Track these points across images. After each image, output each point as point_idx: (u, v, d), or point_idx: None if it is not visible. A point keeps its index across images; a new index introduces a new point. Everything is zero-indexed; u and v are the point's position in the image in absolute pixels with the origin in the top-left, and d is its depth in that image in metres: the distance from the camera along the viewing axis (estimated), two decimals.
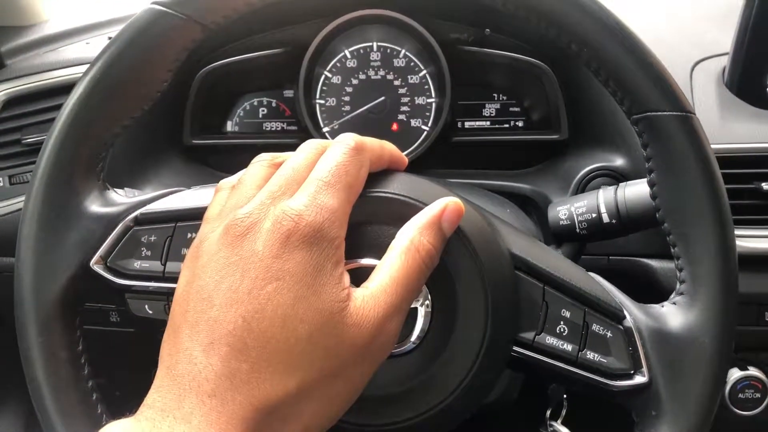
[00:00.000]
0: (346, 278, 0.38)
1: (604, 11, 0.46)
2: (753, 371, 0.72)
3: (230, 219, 0.38)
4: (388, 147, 0.45)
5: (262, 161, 0.42)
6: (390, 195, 0.44)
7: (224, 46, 0.81)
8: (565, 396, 0.68)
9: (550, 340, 0.45)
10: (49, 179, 0.47)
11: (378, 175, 0.44)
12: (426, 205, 0.43)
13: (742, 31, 0.74)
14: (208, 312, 0.36)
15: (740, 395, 0.72)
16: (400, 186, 0.44)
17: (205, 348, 0.35)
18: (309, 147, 0.42)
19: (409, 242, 0.39)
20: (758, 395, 0.72)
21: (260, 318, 0.35)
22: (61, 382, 0.47)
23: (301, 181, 0.39)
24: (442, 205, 0.41)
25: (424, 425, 0.44)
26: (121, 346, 0.78)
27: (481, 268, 0.43)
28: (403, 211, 0.43)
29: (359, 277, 0.40)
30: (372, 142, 0.43)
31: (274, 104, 0.86)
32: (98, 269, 0.47)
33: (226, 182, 0.43)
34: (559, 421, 0.67)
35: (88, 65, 0.48)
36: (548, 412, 0.67)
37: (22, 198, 0.76)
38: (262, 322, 0.35)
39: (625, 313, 0.46)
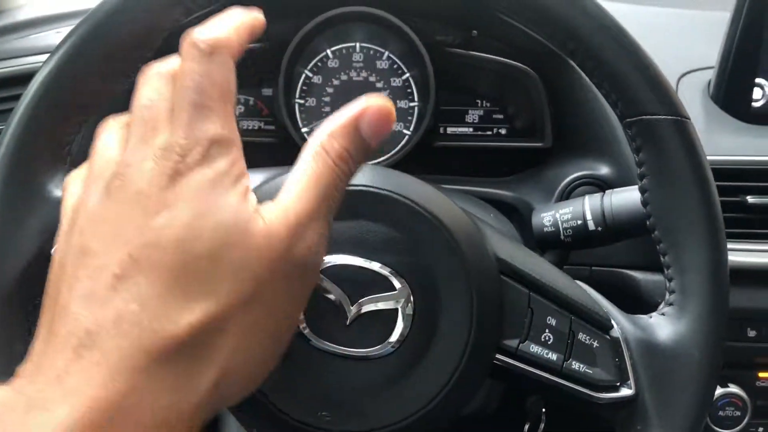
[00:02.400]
0: (252, 195, 0.33)
1: (602, 11, 0.44)
2: (733, 388, 0.71)
3: (108, 176, 0.33)
4: (243, 17, 0.36)
5: (108, 129, 0.36)
6: (367, 189, 0.42)
7: None
8: (543, 410, 0.66)
9: (535, 349, 0.44)
10: (10, 162, 0.45)
11: None
12: (403, 197, 0.41)
13: (727, 45, 0.74)
14: (90, 261, 0.31)
15: (720, 413, 0.71)
16: (376, 179, 0.43)
17: (86, 297, 0.30)
18: (153, 76, 0.35)
19: (319, 146, 0.35)
20: (738, 413, 0.71)
21: (152, 250, 0.30)
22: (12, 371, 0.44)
23: (163, 113, 0.33)
24: (360, 106, 0.35)
25: (407, 429, 0.42)
26: None
27: (467, 269, 0.42)
28: (381, 204, 0.42)
29: None
30: (222, 29, 0.34)
31: (251, 102, 0.84)
32: None
33: (77, 173, 0.37)
34: None
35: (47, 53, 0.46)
36: (526, 427, 0.66)
37: None
38: (154, 253, 0.30)
39: (613, 323, 0.45)
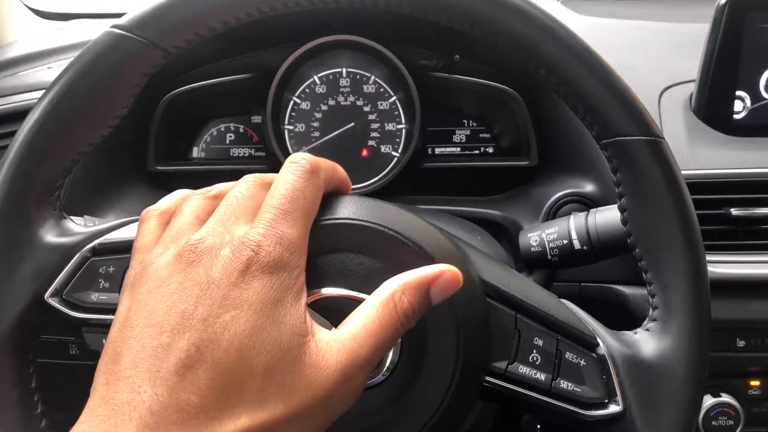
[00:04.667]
0: (308, 313, 0.36)
1: (572, 37, 0.45)
2: (726, 398, 0.71)
3: (183, 244, 0.36)
4: (339, 168, 0.43)
5: (197, 194, 0.40)
6: (351, 221, 0.42)
7: (190, 71, 0.80)
8: (539, 426, 0.66)
9: (523, 370, 0.44)
10: (2, 207, 0.45)
11: (331, 199, 0.43)
12: (386, 228, 0.42)
13: (707, 58, 0.75)
14: (158, 338, 0.33)
15: (713, 422, 0.71)
16: (359, 211, 0.43)
17: (151, 377, 0.32)
18: (250, 178, 0.40)
19: (389, 296, 0.37)
20: (731, 422, 0.71)
21: (215, 348, 0.33)
22: (12, 423, 0.44)
23: (247, 210, 0.38)
24: (437, 269, 0.39)
25: None
26: (82, 380, 0.75)
27: (452, 296, 0.42)
28: (365, 236, 0.42)
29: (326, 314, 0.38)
30: (325, 163, 0.41)
31: (241, 130, 0.85)
32: (53, 302, 0.45)
33: (153, 210, 0.41)
34: None
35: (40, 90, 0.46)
36: None
37: None
38: (216, 352, 0.32)
39: (599, 340, 0.46)
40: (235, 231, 0.36)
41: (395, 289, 0.38)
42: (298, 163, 0.39)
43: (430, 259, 0.42)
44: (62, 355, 0.76)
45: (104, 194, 0.75)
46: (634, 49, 0.87)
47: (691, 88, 0.79)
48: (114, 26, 0.45)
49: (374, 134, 0.83)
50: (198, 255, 0.35)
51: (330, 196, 0.43)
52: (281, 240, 0.36)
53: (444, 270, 0.39)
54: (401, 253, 0.42)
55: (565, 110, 0.74)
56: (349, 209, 0.43)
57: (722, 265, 0.67)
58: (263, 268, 0.35)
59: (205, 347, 0.33)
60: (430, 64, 0.78)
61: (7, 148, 0.45)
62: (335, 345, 0.35)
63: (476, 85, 0.79)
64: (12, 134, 0.72)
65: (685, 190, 0.45)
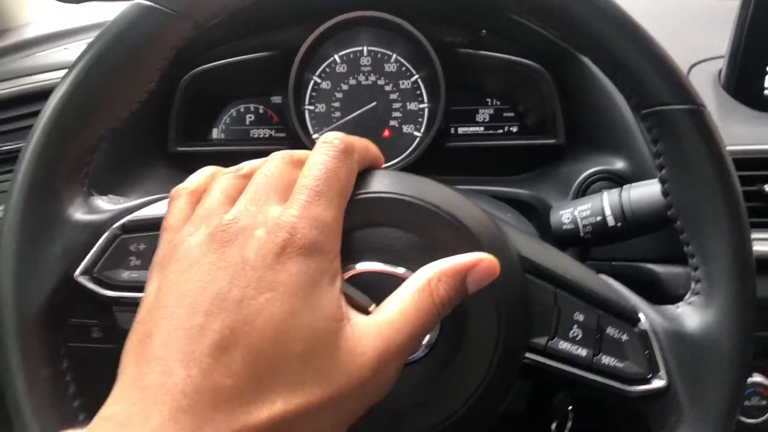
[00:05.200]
0: (343, 298, 0.36)
1: (612, 5, 0.44)
2: (758, 378, 0.70)
3: (216, 224, 0.35)
4: (372, 145, 0.43)
5: (227, 172, 0.40)
6: (387, 195, 0.41)
7: (211, 49, 0.79)
8: (570, 408, 0.66)
9: (564, 345, 0.43)
10: (29, 186, 0.44)
11: (365, 174, 0.42)
12: (423, 202, 0.41)
13: (737, 34, 0.74)
14: (191, 319, 0.32)
15: (746, 402, 0.70)
16: (394, 185, 0.42)
17: (184, 358, 0.31)
18: (279, 156, 0.39)
19: (425, 283, 0.37)
20: (764, 402, 0.70)
21: (250, 330, 0.32)
22: (44, 403, 0.44)
23: (278, 189, 0.37)
24: (474, 257, 0.38)
25: None
26: (104, 364, 0.75)
27: None
28: (401, 210, 0.41)
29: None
30: (358, 141, 0.41)
31: (261, 110, 0.84)
32: (83, 281, 0.45)
33: (183, 189, 0.40)
34: None
35: (64, 69, 0.46)
36: (553, 426, 0.65)
37: None
38: (251, 334, 0.32)
39: (640, 315, 0.45)
40: (269, 211, 0.35)
41: (432, 276, 0.37)
42: (331, 143, 0.38)
43: (468, 234, 0.41)
44: (85, 339, 0.76)
45: (125, 175, 0.74)
46: (662, 25, 0.85)
47: (720, 63, 0.77)
48: None
49: (396, 114, 0.82)
50: (232, 235, 0.34)
51: (364, 171, 0.42)
52: (316, 222, 0.35)
53: (482, 258, 0.38)
54: (439, 228, 0.41)
55: (592, 87, 0.73)
56: (384, 183, 0.42)
57: (757, 243, 0.66)
58: (298, 251, 0.34)
59: (239, 329, 0.32)
60: (455, 41, 0.77)
61: (29, 127, 0.44)
62: (371, 330, 0.35)
63: (502, 61, 0.77)
64: (32, 114, 0.73)
65: (728, 160, 0.44)
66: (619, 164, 0.71)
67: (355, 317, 0.35)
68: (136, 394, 0.30)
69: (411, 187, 0.42)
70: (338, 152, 0.38)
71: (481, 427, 0.43)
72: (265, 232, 0.34)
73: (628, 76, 0.44)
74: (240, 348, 0.31)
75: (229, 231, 0.34)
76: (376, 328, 0.35)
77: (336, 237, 0.36)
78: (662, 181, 0.46)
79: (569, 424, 0.65)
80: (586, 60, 0.74)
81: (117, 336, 0.76)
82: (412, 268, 0.41)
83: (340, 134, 0.39)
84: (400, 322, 0.35)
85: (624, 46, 0.44)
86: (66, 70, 0.46)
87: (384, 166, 0.78)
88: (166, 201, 0.46)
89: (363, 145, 0.41)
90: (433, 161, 0.80)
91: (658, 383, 0.43)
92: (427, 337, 0.41)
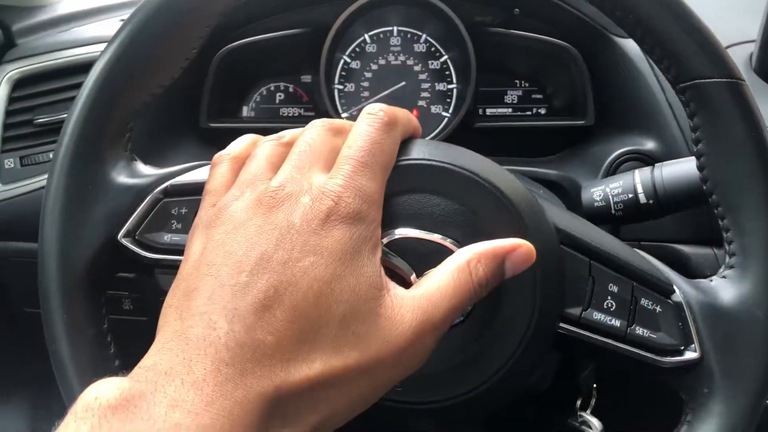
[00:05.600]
0: (383, 268, 0.36)
1: None
2: None
3: (262, 189, 0.36)
4: (412, 116, 0.44)
5: (269, 139, 0.40)
6: (428, 162, 0.42)
7: (244, 27, 0.79)
8: (594, 385, 0.66)
9: (598, 316, 0.44)
10: (75, 149, 0.45)
11: (405, 142, 0.43)
12: (464, 170, 0.42)
13: None
14: (236, 277, 0.33)
15: None
16: (435, 152, 0.43)
17: (228, 313, 0.32)
18: (319, 123, 0.40)
19: (465, 262, 0.37)
20: None
21: (293, 291, 0.33)
22: (86, 360, 0.45)
23: (320, 157, 0.38)
24: (513, 242, 0.39)
25: (470, 404, 0.42)
26: (134, 337, 0.76)
27: (530, 240, 0.42)
28: (442, 177, 0.42)
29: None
30: (402, 114, 0.41)
31: (291, 89, 0.84)
32: (126, 243, 0.45)
33: (224, 154, 0.41)
34: (588, 411, 0.66)
35: (104, 43, 0.46)
36: (578, 402, 0.66)
37: (33, 180, 0.75)
38: (295, 295, 0.32)
39: (674, 287, 0.45)
40: (313, 179, 0.36)
41: (471, 256, 0.38)
42: (376, 114, 0.39)
43: (507, 202, 0.42)
44: (116, 311, 0.77)
45: (159, 148, 0.75)
46: (695, 8, 0.85)
47: (752, 48, 0.77)
48: None
49: (424, 94, 0.82)
50: (278, 201, 0.35)
51: (405, 140, 0.43)
52: (360, 192, 0.36)
53: (520, 244, 0.39)
54: (478, 195, 0.42)
55: (623, 67, 0.73)
56: (424, 151, 0.43)
57: None
58: (342, 219, 0.35)
59: (283, 289, 0.33)
60: (485, 20, 0.77)
61: (68, 100, 0.45)
62: (410, 302, 0.35)
63: (533, 41, 0.77)
64: (70, 87, 0.74)
65: (766, 133, 0.44)
66: (649, 144, 0.71)
67: (395, 288, 0.36)
68: (179, 346, 0.31)
69: (451, 156, 0.43)
70: (382, 124, 0.39)
71: (512, 393, 0.44)
72: (310, 198, 0.35)
73: (668, 49, 0.44)
74: (283, 307, 0.32)
75: (276, 197, 0.35)
76: (415, 300, 0.35)
77: (378, 207, 0.37)
78: (698, 155, 0.46)
79: (593, 402, 0.66)
80: (617, 40, 0.74)
81: (147, 309, 0.78)
82: (450, 234, 0.41)
83: (384, 106, 0.40)
84: (438, 298, 0.36)
85: (664, 19, 0.44)
86: (104, 43, 0.46)
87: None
88: (207, 167, 0.47)
89: (405, 116, 0.42)
90: (460, 141, 0.80)
91: (690, 355, 0.44)
92: None
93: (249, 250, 0.34)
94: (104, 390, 0.29)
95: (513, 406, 0.49)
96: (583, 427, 0.65)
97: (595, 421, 0.65)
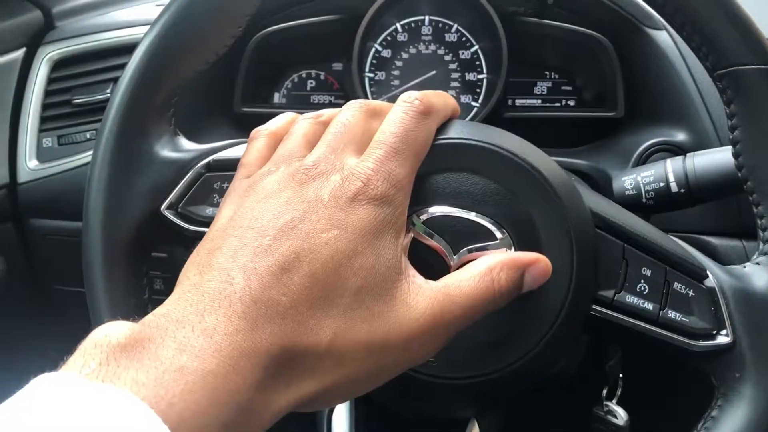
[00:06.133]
0: (405, 255, 0.37)
1: None
2: None
3: (297, 165, 0.37)
4: (452, 101, 0.44)
5: (307, 117, 0.41)
6: (467, 141, 0.42)
7: (279, 12, 0.80)
8: (621, 375, 0.66)
9: (631, 299, 0.44)
10: (121, 122, 0.46)
11: (444, 123, 0.43)
12: (503, 150, 0.42)
13: None
14: (260, 239, 0.34)
15: None
16: (474, 132, 0.43)
17: (246, 271, 0.33)
18: (356, 104, 0.41)
19: (488, 268, 0.38)
20: None
21: (313, 258, 0.33)
22: None
23: (355, 138, 0.39)
24: (534, 256, 0.40)
25: (497, 383, 0.43)
26: None
27: (567, 220, 0.42)
28: (481, 156, 0.42)
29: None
30: (437, 101, 0.42)
31: (322, 77, 0.85)
32: (169, 215, 0.47)
33: (263, 130, 0.42)
34: (614, 401, 0.66)
35: (142, 26, 0.47)
36: (604, 392, 0.66)
37: (71, 158, 0.76)
38: (314, 263, 0.33)
39: (708, 272, 0.45)
40: (346, 160, 0.37)
41: (495, 263, 0.38)
42: (411, 102, 0.40)
43: (545, 183, 0.42)
44: (146, 290, 0.78)
45: (194, 130, 0.76)
46: None
47: None
48: None
49: (454, 84, 0.83)
50: (310, 177, 0.36)
51: (455, 121, 0.43)
52: (389, 177, 0.37)
53: (540, 258, 0.40)
54: (518, 175, 0.42)
55: (654, 58, 0.73)
56: (462, 131, 0.43)
57: None
58: (369, 200, 0.36)
59: (304, 256, 0.33)
60: (518, 10, 0.77)
61: (109, 80, 0.46)
62: (428, 292, 0.36)
63: (565, 32, 0.78)
64: (104, 70, 0.76)
65: None
66: (680, 136, 0.71)
67: (415, 275, 0.37)
68: (195, 297, 0.32)
69: (490, 136, 0.43)
70: (417, 112, 0.40)
71: (541, 376, 0.44)
72: (341, 177, 0.36)
73: (706, 35, 0.45)
74: (301, 272, 0.33)
75: (308, 173, 0.36)
76: (433, 291, 0.36)
77: (405, 194, 0.38)
78: (734, 143, 0.46)
79: (619, 392, 0.66)
80: (648, 31, 0.74)
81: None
82: (488, 213, 0.42)
83: (420, 94, 0.41)
84: (457, 295, 0.36)
85: (704, 6, 0.44)
86: (141, 26, 0.47)
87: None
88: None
89: (442, 102, 0.42)
90: None
91: (723, 339, 0.44)
92: None
93: (276, 218, 0.35)
94: (115, 330, 0.30)
95: (539, 391, 0.50)
96: (609, 417, 0.65)
97: (620, 411, 0.65)
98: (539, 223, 0.42)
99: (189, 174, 0.47)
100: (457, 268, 0.42)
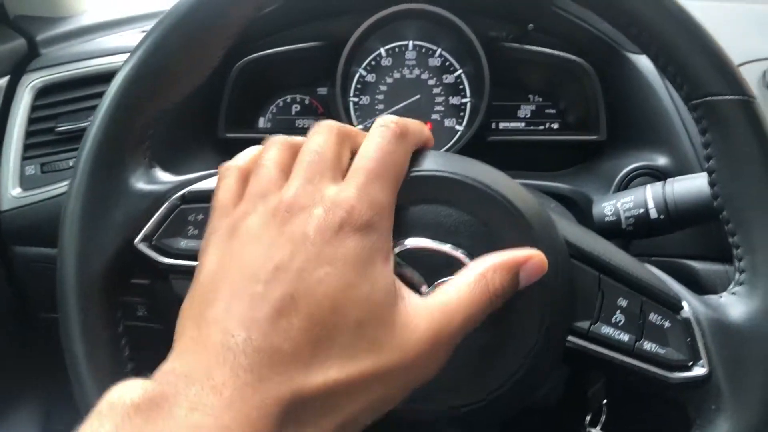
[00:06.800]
0: (396, 278, 0.37)
1: None
2: None
3: (275, 202, 0.36)
4: (425, 128, 0.44)
5: (276, 143, 0.40)
6: (440, 173, 0.42)
7: (262, 39, 0.81)
8: (604, 401, 0.66)
9: (606, 330, 0.44)
10: (96, 155, 0.46)
11: (417, 154, 0.43)
12: (476, 182, 0.42)
13: None
14: (253, 287, 0.33)
15: None
16: (447, 164, 0.43)
17: (245, 322, 0.32)
18: (325, 129, 0.40)
19: (481, 274, 0.38)
20: None
21: (309, 299, 0.33)
22: (100, 361, 0.46)
23: (331, 166, 0.38)
24: (527, 253, 0.39)
25: (474, 414, 0.42)
26: (147, 343, 0.77)
27: (540, 251, 0.42)
28: (454, 189, 0.42)
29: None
30: (414, 126, 0.42)
31: (307, 101, 0.85)
32: (143, 247, 0.46)
33: (231, 165, 0.41)
34: (598, 427, 0.66)
35: (126, 53, 0.47)
36: (587, 418, 0.66)
37: (54, 186, 0.76)
38: (310, 303, 0.33)
39: (683, 303, 0.45)
40: (326, 190, 0.36)
41: (487, 267, 0.38)
42: (387, 126, 0.40)
43: (518, 215, 0.42)
44: (130, 316, 0.78)
45: (176, 158, 0.76)
46: (707, 26, 0.85)
47: (765, 65, 0.77)
48: None
49: (438, 108, 0.83)
50: (292, 214, 0.36)
51: (417, 151, 0.43)
52: (372, 203, 0.36)
53: (534, 254, 0.39)
54: (490, 207, 0.42)
55: (636, 83, 0.73)
56: (437, 162, 0.43)
57: None
58: (356, 229, 0.35)
59: (300, 297, 0.33)
60: (500, 35, 0.78)
61: (90, 108, 0.46)
62: (425, 311, 0.36)
63: (546, 56, 0.78)
64: (92, 96, 0.76)
65: None
66: (661, 160, 0.71)
67: (410, 296, 0.36)
68: (197, 352, 0.32)
69: (462, 167, 0.43)
70: (394, 135, 0.39)
71: (518, 406, 0.44)
72: (323, 210, 0.35)
73: (680, 66, 0.45)
74: (299, 315, 0.33)
75: (290, 210, 0.36)
76: (430, 309, 0.36)
77: (389, 217, 0.37)
78: (710, 172, 0.46)
79: (603, 418, 0.66)
80: (630, 56, 0.74)
81: (161, 316, 0.78)
82: (461, 245, 0.42)
83: (395, 117, 0.40)
84: (454, 307, 0.36)
85: (678, 37, 0.44)
86: (126, 54, 0.47)
87: None
88: None
89: (418, 127, 0.42)
90: (473, 155, 0.80)
91: (699, 371, 0.43)
92: None
93: (265, 262, 0.34)
94: (128, 390, 0.30)
95: (522, 419, 0.49)
96: None
97: None
98: None
99: (164, 206, 0.47)
100: None
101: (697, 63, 0.44)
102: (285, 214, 0.36)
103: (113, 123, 0.46)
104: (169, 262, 0.46)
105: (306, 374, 0.32)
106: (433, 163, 0.43)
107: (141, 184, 0.47)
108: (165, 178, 0.49)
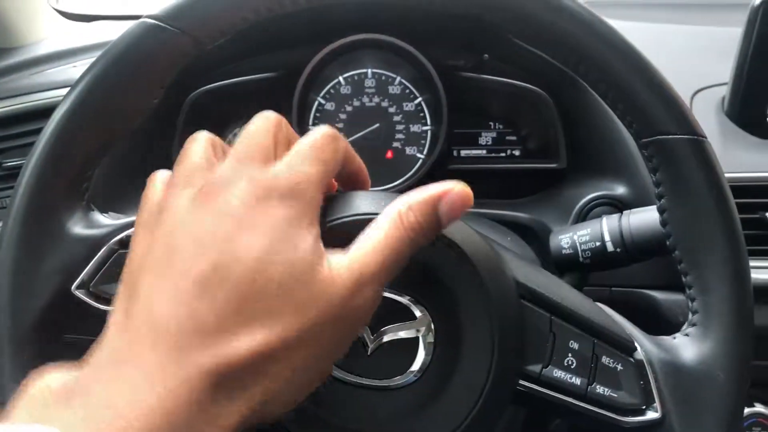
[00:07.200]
0: (321, 242, 0.36)
1: (613, 32, 0.44)
2: (760, 408, 0.70)
3: (201, 181, 0.35)
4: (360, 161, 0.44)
5: (202, 137, 0.39)
6: (374, 215, 0.41)
7: (214, 70, 0.79)
8: None
9: (558, 374, 0.43)
10: (29, 199, 0.45)
11: (349, 196, 0.42)
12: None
13: (740, 61, 0.74)
14: (176, 264, 0.33)
15: None
16: (384, 205, 0.42)
17: (168, 298, 0.32)
18: (262, 117, 0.39)
19: (395, 213, 0.37)
20: None
21: (231, 269, 0.33)
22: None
23: (263, 145, 0.37)
24: (445, 186, 0.38)
25: None
26: None
27: (486, 297, 0.41)
28: None
29: None
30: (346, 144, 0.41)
31: None
32: (80, 294, 0.45)
33: (162, 173, 0.39)
34: None
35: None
36: None
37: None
38: (233, 272, 0.33)
39: (636, 345, 0.44)
40: (253, 169, 0.36)
41: (400, 207, 0.37)
42: (319, 128, 0.39)
43: (463, 256, 0.41)
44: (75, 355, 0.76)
45: (129, 192, 0.74)
46: (664, 52, 0.85)
47: (724, 90, 0.77)
48: (148, 16, 0.45)
49: (399, 136, 0.82)
50: (217, 189, 0.35)
51: (352, 194, 0.42)
52: (297, 173, 0.36)
53: (452, 187, 0.38)
54: (434, 250, 0.41)
55: (594, 112, 0.73)
56: (381, 204, 0.42)
57: (757, 271, 0.65)
58: (279, 197, 0.35)
59: (222, 268, 0.33)
60: (457, 64, 0.77)
61: (32, 143, 0.44)
62: (345, 262, 0.35)
63: (504, 85, 0.78)
64: (37, 131, 0.73)
65: (727, 191, 0.44)
66: (620, 189, 0.71)
67: (331, 255, 0.36)
68: (121, 334, 0.32)
69: None
70: (326, 135, 0.38)
71: None
72: (247, 181, 0.35)
73: (629, 104, 0.44)
74: (223, 285, 0.33)
75: (215, 186, 0.35)
76: (349, 259, 0.36)
77: (316, 188, 0.36)
78: (661, 211, 0.46)
79: None
80: (587, 85, 0.74)
81: None
82: (408, 291, 0.41)
83: (329, 127, 0.40)
84: (371, 253, 0.36)
85: (625, 75, 0.44)
86: (70, 88, 0.46)
87: (386, 187, 0.78)
88: None
89: (351, 149, 0.42)
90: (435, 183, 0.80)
91: (652, 414, 0.43)
92: (419, 362, 0.41)
93: (187, 238, 0.34)
94: (49, 378, 0.31)
95: None
96: None
97: None
98: (458, 300, 0.41)
99: (101, 251, 0.45)
100: (376, 350, 0.41)
101: (646, 101, 0.44)
102: (210, 191, 0.35)
103: (46, 166, 0.45)
104: (107, 309, 0.45)
105: (232, 343, 0.32)
106: (376, 206, 0.41)
107: (78, 229, 0.46)
108: (104, 221, 0.47)
